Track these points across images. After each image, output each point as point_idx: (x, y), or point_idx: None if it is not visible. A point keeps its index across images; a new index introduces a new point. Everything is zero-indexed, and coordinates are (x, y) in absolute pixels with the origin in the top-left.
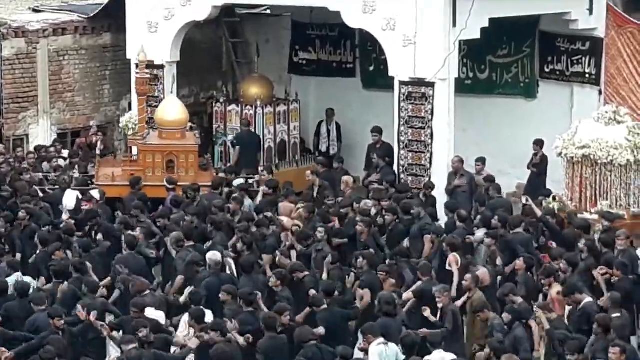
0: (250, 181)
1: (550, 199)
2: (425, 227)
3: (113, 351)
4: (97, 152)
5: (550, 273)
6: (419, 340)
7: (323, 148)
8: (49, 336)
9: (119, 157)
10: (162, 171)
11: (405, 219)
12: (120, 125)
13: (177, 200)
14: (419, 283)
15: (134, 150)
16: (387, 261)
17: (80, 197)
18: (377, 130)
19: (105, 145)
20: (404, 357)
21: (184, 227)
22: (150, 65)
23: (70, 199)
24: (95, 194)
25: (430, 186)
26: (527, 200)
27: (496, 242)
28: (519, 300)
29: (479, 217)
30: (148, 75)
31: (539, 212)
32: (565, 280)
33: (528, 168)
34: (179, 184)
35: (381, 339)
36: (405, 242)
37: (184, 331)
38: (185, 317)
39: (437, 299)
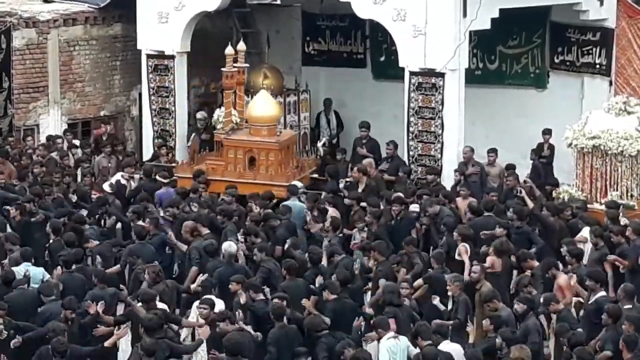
0: None
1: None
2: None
3: (123, 343)
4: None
5: (551, 265)
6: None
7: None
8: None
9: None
10: (243, 167)
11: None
12: (212, 119)
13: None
14: (431, 271)
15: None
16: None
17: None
18: (366, 125)
19: (116, 136)
20: (415, 349)
21: (198, 217)
22: (160, 56)
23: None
24: (106, 187)
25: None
26: (525, 182)
27: (508, 232)
28: (534, 292)
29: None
30: (235, 69)
31: (531, 204)
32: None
33: (536, 158)
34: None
35: (391, 333)
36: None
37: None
38: (194, 308)
39: (448, 287)
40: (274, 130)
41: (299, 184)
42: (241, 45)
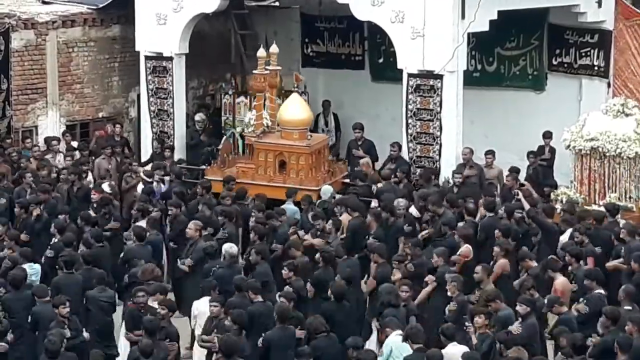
0: None
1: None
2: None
3: (122, 340)
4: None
5: (550, 265)
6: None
7: None
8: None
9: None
10: (273, 171)
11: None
12: (244, 122)
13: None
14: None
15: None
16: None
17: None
18: (359, 127)
19: (122, 137)
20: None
21: (200, 217)
22: (159, 57)
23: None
24: (105, 187)
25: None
26: (521, 185)
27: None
28: (536, 295)
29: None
30: (267, 71)
31: (527, 206)
32: (573, 273)
33: (535, 161)
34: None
35: (399, 331)
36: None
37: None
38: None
39: (447, 287)
40: (304, 134)
41: (330, 188)
42: (274, 48)
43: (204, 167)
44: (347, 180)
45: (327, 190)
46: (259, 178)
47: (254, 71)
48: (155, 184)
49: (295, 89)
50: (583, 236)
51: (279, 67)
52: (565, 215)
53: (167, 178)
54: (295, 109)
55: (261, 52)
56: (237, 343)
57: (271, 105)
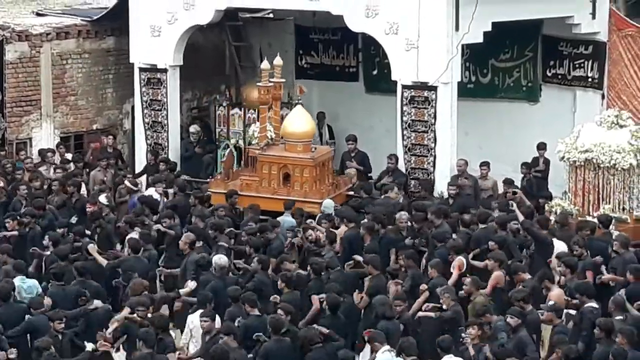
0: None
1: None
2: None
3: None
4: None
5: (546, 276)
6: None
7: None
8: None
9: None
10: (277, 183)
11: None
12: (247, 135)
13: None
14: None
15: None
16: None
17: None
18: (352, 139)
19: (115, 148)
20: None
21: (194, 229)
22: (153, 69)
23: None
24: (102, 199)
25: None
26: (514, 193)
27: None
28: (529, 307)
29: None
30: (271, 84)
31: (521, 217)
32: (565, 283)
33: (529, 173)
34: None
35: (387, 347)
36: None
37: (186, 337)
38: (190, 322)
39: (441, 300)
40: (309, 146)
41: (331, 202)
42: (277, 60)
43: (207, 179)
44: (352, 193)
45: (328, 204)
46: (263, 191)
47: (258, 84)
48: (158, 196)
49: (298, 101)
50: (582, 249)
51: (283, 80)
52: (555, 226)
53: (170, 191)
54: (300, 122)
55: (265, 65)
56: (228, 353)
57: (275, 118)
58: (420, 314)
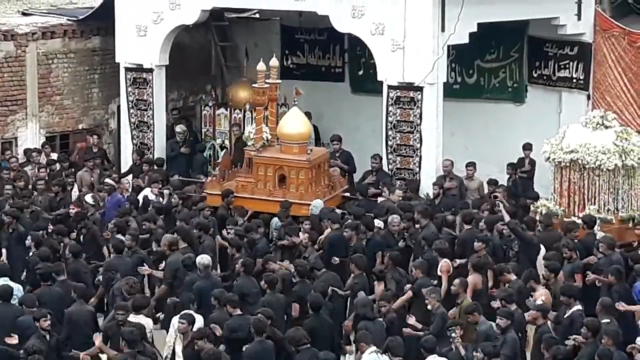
0: None
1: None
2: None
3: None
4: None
5: (531, 277)
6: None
7: None
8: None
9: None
10: (273, 185)
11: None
12: (244, 136)
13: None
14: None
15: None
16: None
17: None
18: (337, 139)
19: (100, 148)
20: None
21: (179, 230)
22: (139, 69)
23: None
24: (88, 198)
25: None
26: (495, 197)
27: (486, 247)
28: (514, 307)
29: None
30: (267, 85)
31: (507, 217)
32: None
33: (515, 173)
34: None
35: (373, 347)
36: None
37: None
38: (175, 322)
39: (426, 301)
40: (304, 148)
41: (320, 202)
42: (273, 62)
43: (202, 180)
44: (348, 194)
45: (317, 204)
46: (259, 192)
47: (254, 85)
48: (154, 197)
49: (295, 103)
50: (572, 252)
51: (279, 81)
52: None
53: (166, 191)
54: (295, 123)
55: (261, 66)
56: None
57: (271, 119)
58: (405, 331)
